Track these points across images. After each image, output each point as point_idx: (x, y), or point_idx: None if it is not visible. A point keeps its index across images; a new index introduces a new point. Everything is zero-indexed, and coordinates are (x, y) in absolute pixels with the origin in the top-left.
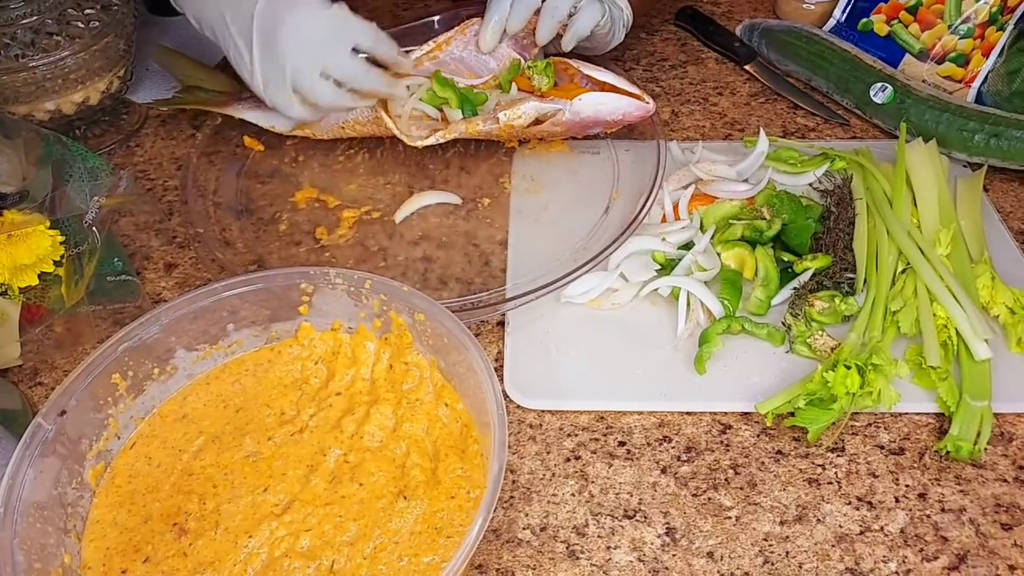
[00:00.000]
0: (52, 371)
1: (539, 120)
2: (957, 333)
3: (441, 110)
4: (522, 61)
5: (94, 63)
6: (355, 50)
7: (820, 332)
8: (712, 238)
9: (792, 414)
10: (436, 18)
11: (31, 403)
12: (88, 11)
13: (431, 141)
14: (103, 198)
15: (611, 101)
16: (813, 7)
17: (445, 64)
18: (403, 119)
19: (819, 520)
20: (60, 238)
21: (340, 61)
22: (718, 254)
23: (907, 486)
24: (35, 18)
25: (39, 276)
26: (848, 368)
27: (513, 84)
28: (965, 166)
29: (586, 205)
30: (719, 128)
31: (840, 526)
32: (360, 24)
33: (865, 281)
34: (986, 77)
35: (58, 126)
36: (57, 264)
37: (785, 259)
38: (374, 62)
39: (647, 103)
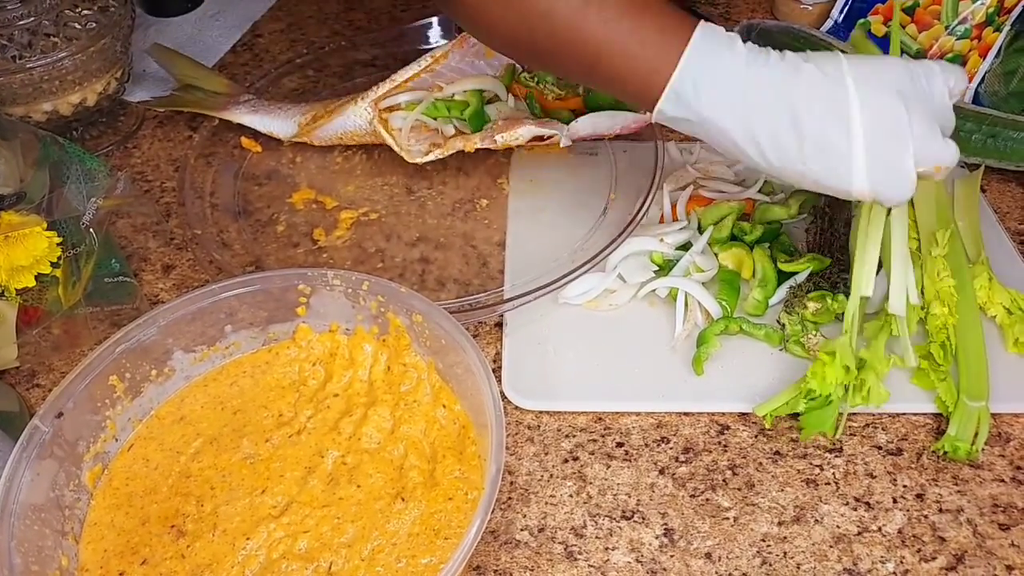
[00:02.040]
0: (49, 373)
1: (539, 138)
2: (955, 333)
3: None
4: (517, 67)
5: (91, 64)
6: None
7: (814, 332)
8: (709, 239)
9: (796, 416)
10: (435, 19)
11: (28, 405)
12: (85, 12)
13: (431, 158)
14: (100, 199)
15: (606, 119)
16: (811, 8)
17: (442, 75)
18: (403, 132)
19: (817, 521)
20: (57, 239)
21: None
22: (715, 255)
23: (905, 486)
24: (32, 19)
25: (36, 278)
26: (831, 355)
27: (510, 95)
28: (963, 166)
29: (584, 206)
30: None
31: (838, 527)
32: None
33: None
34: (983, 78)
35: (55, 127)
36: (54, 266)
37: (782, 260)
38: None
39: (644, 113)
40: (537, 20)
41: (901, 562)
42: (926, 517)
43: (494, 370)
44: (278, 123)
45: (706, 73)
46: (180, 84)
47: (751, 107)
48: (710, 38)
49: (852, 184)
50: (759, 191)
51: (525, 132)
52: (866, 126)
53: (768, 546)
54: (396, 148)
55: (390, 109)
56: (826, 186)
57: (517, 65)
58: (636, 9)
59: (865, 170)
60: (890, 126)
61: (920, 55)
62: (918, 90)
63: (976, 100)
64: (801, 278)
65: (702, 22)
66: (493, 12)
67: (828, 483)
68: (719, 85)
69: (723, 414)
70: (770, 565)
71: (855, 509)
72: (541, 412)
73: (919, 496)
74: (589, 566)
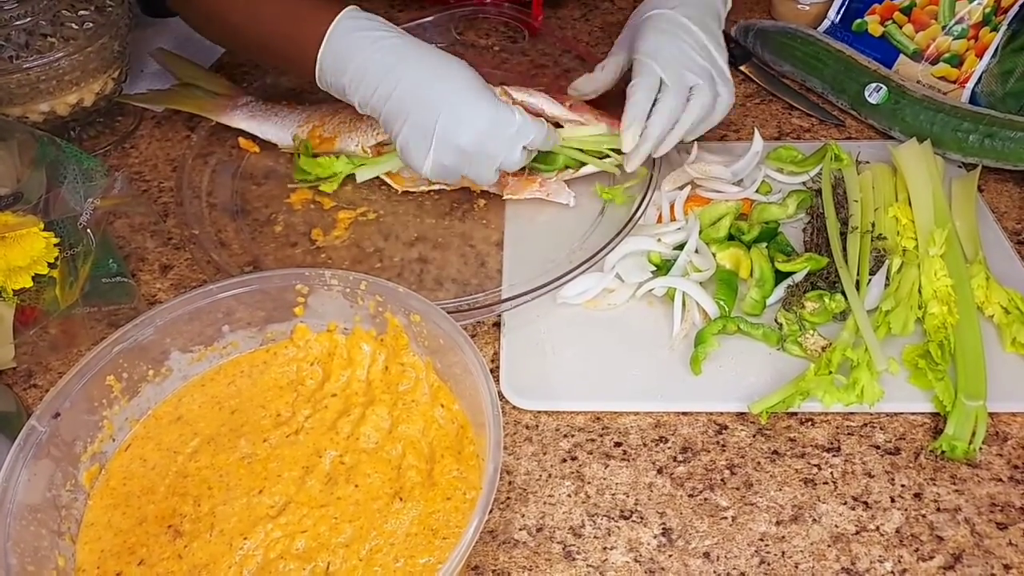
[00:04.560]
0: (46, 373)
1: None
2: (953, 333)
3: None
4: None
5: (88, 64)
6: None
7: (812, 331)
8: (700, 234)
9: (794, 415)
10: (430, 19)
11: (25, 405)
12: (82, 12)
13: (434, 188)
14: (98, 200)
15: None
16: (808, 8)
17: None
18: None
19: (815, 520)
20: (54, 240)
21: (513, 160)
22: (713, 255)
23: (903, 486)
24: (29, 19)
25: (33, 278)
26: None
27: None
28: (960, 167)
29: (582, 206)
30: (714, 129)
31: (836, 526)
32: (533, 128)
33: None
34: (980, 78)
35: (52, 128)
36: (51, 266)
37: (779, 259)
38: None
39: None
40: (239, 26)
41: (899, 561)
42: (924, 516)
43: (492, 370)
44: (275, 131)
45: (344, 52)
46: (180, 82)
47: (370, 84)
48: (351, 21)
49: (422, 167)
50: (756, 191)
51: (529, 195)
52: (439, 134)
53: (766, 545)
54: (390, 181)
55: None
56: (408, 163)
57: None
58: (294, 3)
59: (431, 161)
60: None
61: (917, 55)
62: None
63: (973, 100)
64: (798, 278)
65: (349, 7)
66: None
67: (826, 482)
68: (354, 62)
69: (721, 414)
70: (768, 564)
71: (853, 508)
72: (539, 412)
73: (917, 495)
74: (587, 566)
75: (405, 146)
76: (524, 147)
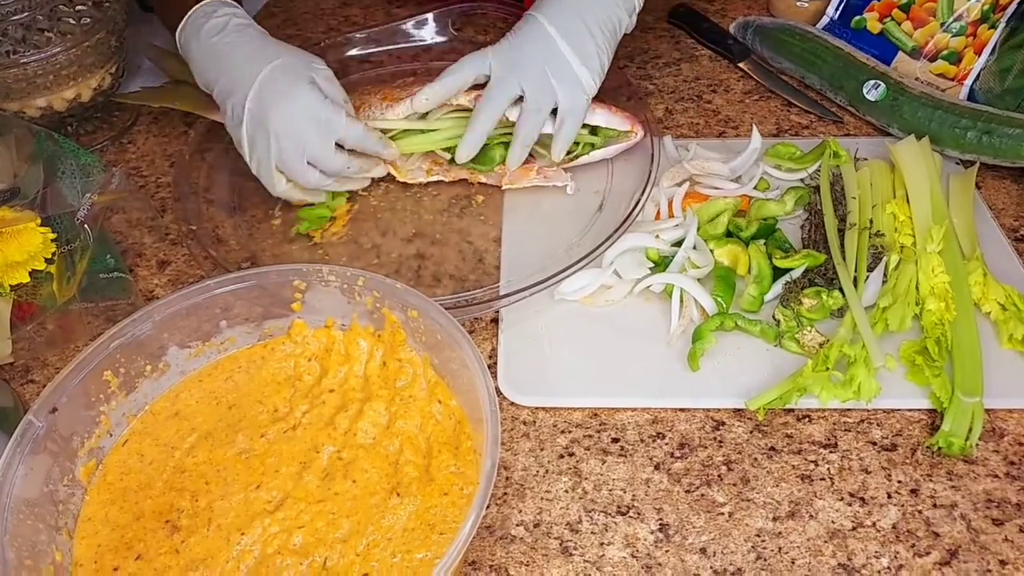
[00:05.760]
0: (44, 368)
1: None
2: (950, 329)
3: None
4: None
5: (86, 59)
6: (339, 144)
7: (809, 328)
8: (698, 230)
9: (791, 411)
10: (430, 15)
11: (22, 400)
12: (79, 7)
13: (432, 179)
14: (95, 195)
15: (601, 156)
16: (806, 5)
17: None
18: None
19: (811, 516)
20: (51, 235)
21: (321, 156)
22: (711, 251)
23: (899, 482)
24: (26, 14)
25: (30, 273)
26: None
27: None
28: (958, 163)
29: (580, 202)
30: (713, 126)
31: (832, 522)
32: (345, 126)
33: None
34: (978, 75)
35: (50, 123)
36: (48, 261)
37: (777, 256)
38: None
39: (636, 136)
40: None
41: (895, 557)
42: (920, 512)
43: (490, 366)
44: None
45: (194, 34)
46: (173, 80)
47: (208, 71)
48: (206, 8)
49: (243, 147)
50: (755, 188)
51: (529, 183)
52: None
53: (763, 541)
54: (394, 172)
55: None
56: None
57: None
58: None
59: (246, 141)
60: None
61: (915, 52)
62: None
63: (971, 97)
64: (796, 274)
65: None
66: None
67: (823, 478)
68: (200, 44)
69: (718, 410)
70: (765, 560)
71: (850, 504)
72: (537, 408)
73: (913, 491)
74: (584, 561)
75: (229, 125)
76: (337, 143)
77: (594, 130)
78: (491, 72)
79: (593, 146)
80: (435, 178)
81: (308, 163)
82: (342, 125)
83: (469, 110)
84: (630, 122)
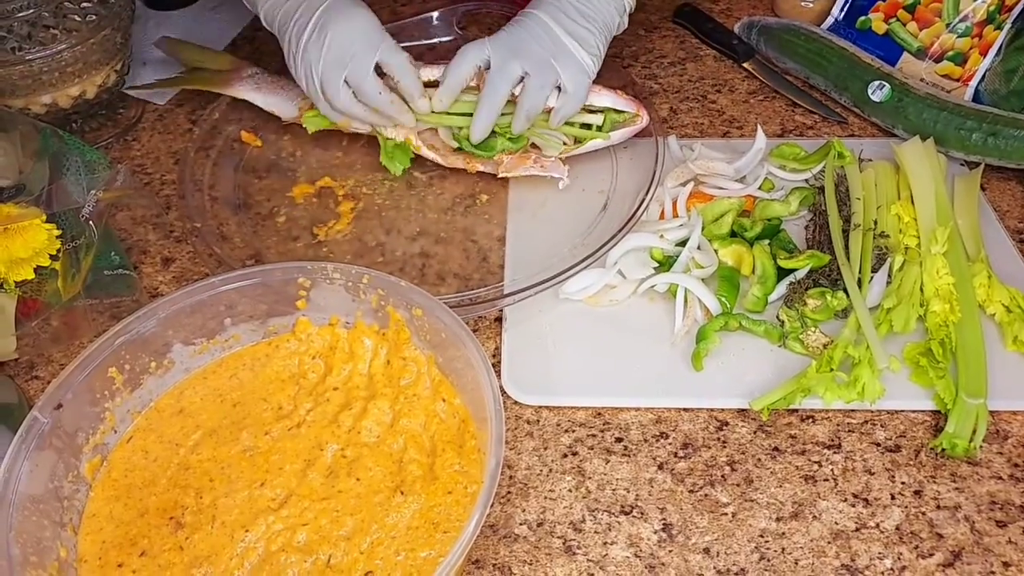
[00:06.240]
0: (48, 365)
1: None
2: (954, 331)
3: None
4: None
5: (91, 56)
6: (380, 70)
7: (813, 328)
8: (702, 230)
9: (795, 411)
10: (435, 14)
11: (27, 397)
12: (85, 4)
13: (430, 155)
14: (100, 192)
15: (607, 143)
16: (811, 5)
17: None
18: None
19: (815, 517)
20: (57, 232)
21: (359, 72)
22: (715, 251)
23: (903, 483)
24: (32, 11)
25: (35, 270)
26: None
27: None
28: (963, 165)
29: (584, 201)
30: (717, 126)
31: (836, 523)
32: (393, 50)
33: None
34: (984, 76)
35: (55, 119)
36: (53, 258)
37: (782, 256)
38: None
39: (642, 120)
40: None
41: (899, 558)
42: (924, 514)
43: (494, 365)
44: (279, 103)
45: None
46: (187, 68)
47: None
48: None
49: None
50: (759, 188)
51: (526, 172)
52: None
53: (766, 542)
54: (377, 134)
55: None
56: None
57: None
58: None
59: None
60: None
61: (921, 53)
62: None
63: (977, 98)
64: (801, 275)
65: None
66: None
67: (826, 479)
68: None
69: (722, 410)
70: (768, 561)
71: (853, 505)
72: (540, 407)
73: (917, 493)
74: (588, 560)
75: (295, 50)
76: (377, 63)
77: (598, 124)
78: (491, 57)
79: (600, 129)
80: (431, 155)
81: (345, 82)
82: (389, 47)
83: (478, 89)
84: (635, 105)
